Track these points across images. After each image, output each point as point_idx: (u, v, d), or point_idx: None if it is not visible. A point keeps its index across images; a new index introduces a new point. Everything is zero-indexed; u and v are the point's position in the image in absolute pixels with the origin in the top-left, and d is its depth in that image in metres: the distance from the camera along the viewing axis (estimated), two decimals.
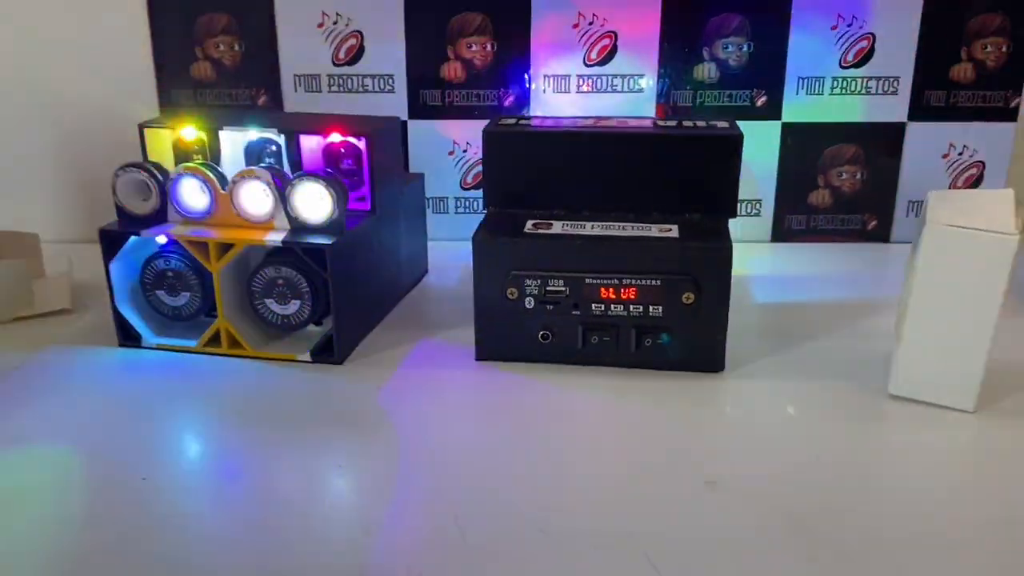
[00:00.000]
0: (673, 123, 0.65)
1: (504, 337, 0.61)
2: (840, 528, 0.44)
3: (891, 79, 0.81)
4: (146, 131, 0.65)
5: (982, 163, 0.84)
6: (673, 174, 0.62)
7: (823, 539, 0.43)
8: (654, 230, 0.59)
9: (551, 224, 0.61)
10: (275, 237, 0.60)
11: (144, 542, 0.43)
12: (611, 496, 0.47)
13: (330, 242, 0.59)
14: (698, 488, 0.47)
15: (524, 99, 0.83)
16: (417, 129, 0.84)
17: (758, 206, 0.86)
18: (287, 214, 0.60)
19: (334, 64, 0.82)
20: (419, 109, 0.83)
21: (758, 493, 0.47)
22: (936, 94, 0.82)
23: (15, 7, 0.82)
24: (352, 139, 0.64)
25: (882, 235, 0.87)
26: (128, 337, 0.64)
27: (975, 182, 0.84)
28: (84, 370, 0.62)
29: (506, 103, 0.83)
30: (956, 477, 0.49)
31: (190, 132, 0.65)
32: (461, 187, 0.86)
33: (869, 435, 0.53)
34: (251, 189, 0.61)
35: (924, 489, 0.48)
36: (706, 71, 0.82)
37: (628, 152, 0.62)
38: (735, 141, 0.61)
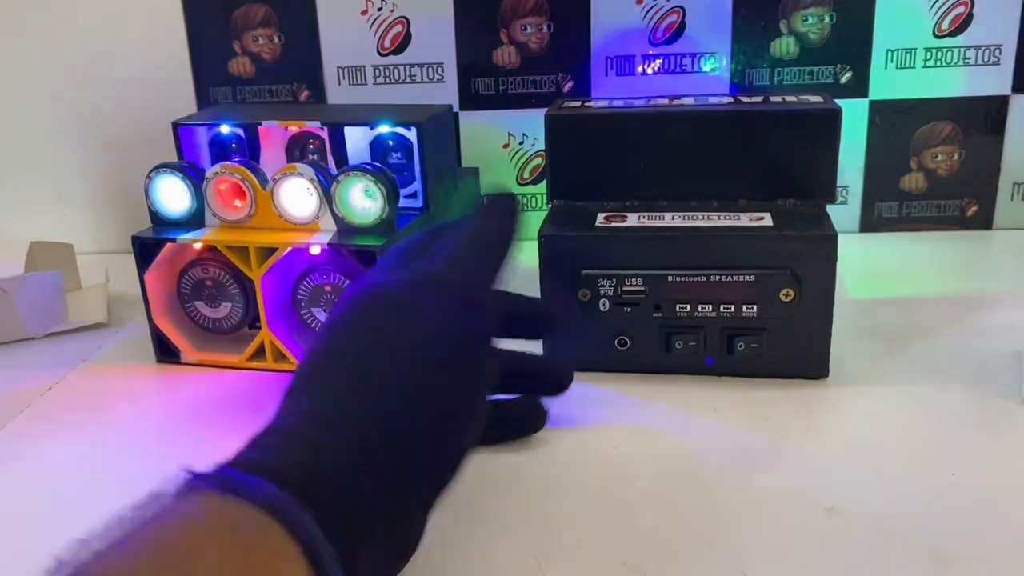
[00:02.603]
0: (759, 99, 0.58)
1: (576, 344, 0.54)
2: (987, 560, 0.37)
3: (992, 48, 0.73)
4: (179, 129, 0.60)
5: None
6: (762, 156, 0.55)
7: (963, 570, 0.36)
8: (744, 219, 0.53)
9: (625, 217, 0.54)
10: (320, 239, 0.54)
11: None
12: (712, 529, 0.40)
13: (381, 243, 0.53)
14: (817, 516, 0.40)
15: (585, 84, 0.76)
16: (469, 121, 0.78)
17: (845, 193, 0.78)
18: (333, 214, 0.55)
19: (379, 54, 0.77)
20: (471, 99, 0.77)
21: (887, 520, 0.40)
22: None
23: (45, 8, 0.77)
24: (401, 129, 0.58)
25: (984, 222, 0.78)
26: (166, 352, 0.59)
27: None
28: (118, 391, 0.57)
29: (565, 89, 0.76)
30: None
31: (228, 128, 0.60)
32: (518, 182, 0.80)
33: (1010, 448, 0.46)
34: (293, 187, 0.55)
35: None
36: (784, 46, 0.74)
37: (710, 133, 0.56)
38: (833, 115, 0.54)
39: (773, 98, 0.58)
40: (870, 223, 0.79)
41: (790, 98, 0.58)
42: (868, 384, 0.52)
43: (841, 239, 0.79)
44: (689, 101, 0.59)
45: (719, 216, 0.53)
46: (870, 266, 0.73)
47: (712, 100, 0.59)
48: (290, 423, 0.33)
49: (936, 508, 0.41)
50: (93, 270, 0.75)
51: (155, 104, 0.78)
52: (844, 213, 0.79)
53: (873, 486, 0.42)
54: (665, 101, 0.59)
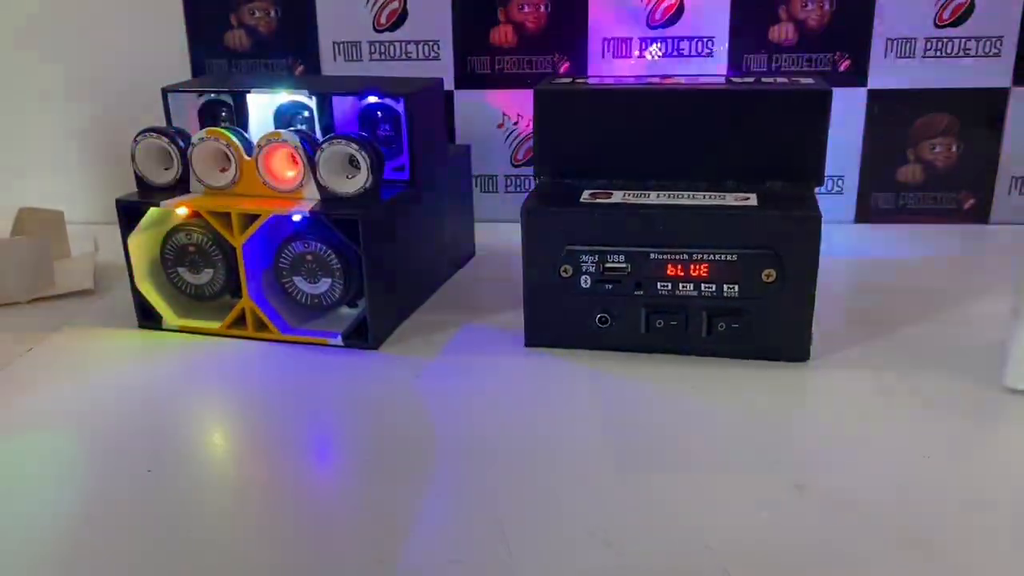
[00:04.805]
0: (751, 79, 0.58)
1: (557, 321, 0.54)
2: (954, 542, 0.36)
3: (993, 39, 0.73)
4: (170, 96, 0.60)
5: None
6: (751, 137, 0.55)
7: (934, 554, 0.36)
8: (729, 199, 0.52)
9: (610, 194, 0.54)
10: (303, 208, 0.54)
11: (140, 537, 0.38)
12: (682, 503, 0.39)
13: (363, 213, 0.53)
14: (785, 493, 0.40)
15: (581, 66, 0.76)
16: (464, 100, 0.77)
17: (840, 183, 0.77)
18: (317, 183, 0.54)
19: (375, 30, 0.76)
20: (466, 78, 0.77)
21: (855, 499, 0.39)
22: None
23: None
24: (390, 101, 0.58)
25: (980, 215, 0.78)
26: (148, 318, 0.59)
27: None
28: (97, 353, 0.57)
29: (562, 70, 0.76)
30: None
31: (216, 96, 0.60)
32: (512, 164, 0.79)
33: (985, 434, 0.45)
34: (277, 155, 0.55)
35: None
36: (783, 32, 0.74)
37: (699, 112, 0.55)
38: (822, 97, 0.53)
39: (765, 80, 0.57)
40: (865, 213, 0.78)
41: (782, 79, 0.57)
42: (849, 368, 0.51)
43: (835, 229, 0.79)
44: (680, 80, 0.58)
45: (705, 196, 0.53)
46: (863, 256, 0.72)
47: (703, 80, 0.58)
48: None
49: (907, 489, 0.40)
50: (86, 239, 0.75)
51: (152, 75, 0.77)
52: (839, 203, 0.78)
53: (843, 466, 0.42)
54: (656, 80, 0.59)
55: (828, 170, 0.76)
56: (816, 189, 0.54)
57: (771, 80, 0.57)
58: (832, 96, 0.53)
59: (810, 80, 0.56)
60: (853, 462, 0.42)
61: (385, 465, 0.44)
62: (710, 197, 0.53)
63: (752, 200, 0.52)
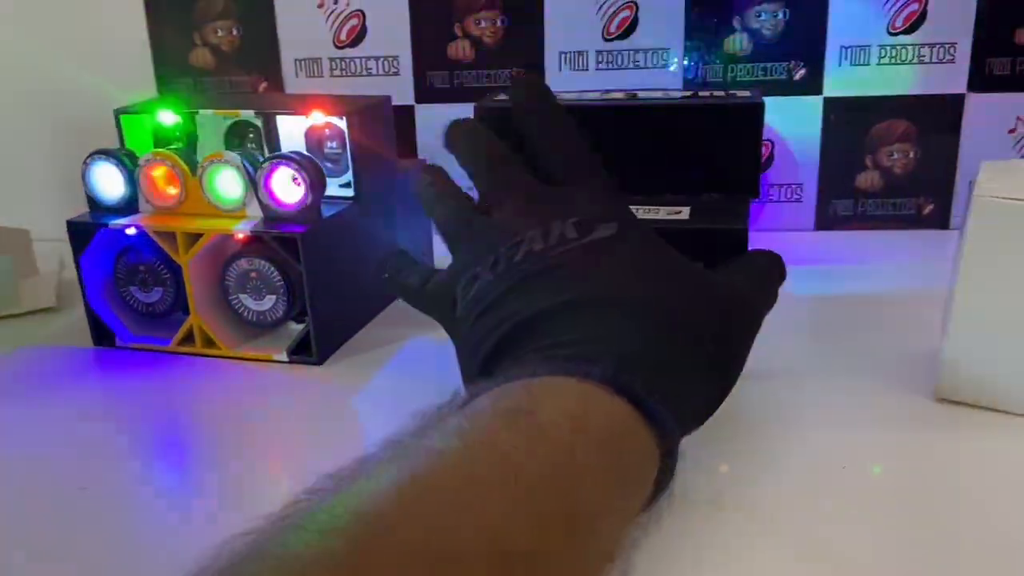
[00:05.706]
0: (688, 94, 0.58)
1: None
2: (869, 555, 0.37)
3: (947, 45, 0.73)
4: (122, 118, 0.61)
5: None
6: (686, 150, 0.55)
7: (848, 569, 0.36)
8: (662, 213, 0.53)
9: None
10: (245, 226, 0.55)
11: (66, 559, 0.39)
12: None
13: (303, 230, 0.54)
14: (698, 508, 0.40)
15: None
16: (425, 114, 0.78)
17: (800, 191, 0.78)
18: (259, 200, 0.55)
19: (335, 46, 0.77)
20: (426, 92, 0.78)
21: (767, 512, 0.40)
22: (999, 61, 0.73)
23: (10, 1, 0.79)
24: (334, 119, 0.59)
25: (939, 221, 0.78)
26: (103, 336, 0.60)
27: None
28: (51, 371, 0.58)
29: None
30: (1014, 494, 0.42)
31: (168, 117, 0.61)
32: None
33: (908, 443, 0.46)
34: (220, 175, 0.56)
35: (976, 509, 0.40)
36: (738, 43, 0.74)
37: (636, 127, 0.56)
38: (753, 110, 0.54)
39: (702, 93, 0.58)
40: (825, 221, 0.79)
41: (719, 93, 0.58)
42: (784, 377, 0.52)
43: (795, 237, 0.79)
44: (619, 95, 0.59)
45: (640, 210, 0.53)
46: (821, 264, 0.73)
47: (642, 95, 0.59)
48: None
49: (821, 500, 0.41)
50: (55, 256, 0.76)
51: (118, 94, 0.79)
52: (799, 211, 0.78)
53: (760, 479, 0.43)
54: (596, 95, 0.59)
55: (787, 178, 0.77)
56: (752, 201, 0.55)
57: (708, 94, 0.58)
58: (764, 108, 0.54)
59: (746, 93, 0.57)
60: (768, 474, 0.43)
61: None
62: (644, 211, 0.53)
63: (684, 214, 0.52)
